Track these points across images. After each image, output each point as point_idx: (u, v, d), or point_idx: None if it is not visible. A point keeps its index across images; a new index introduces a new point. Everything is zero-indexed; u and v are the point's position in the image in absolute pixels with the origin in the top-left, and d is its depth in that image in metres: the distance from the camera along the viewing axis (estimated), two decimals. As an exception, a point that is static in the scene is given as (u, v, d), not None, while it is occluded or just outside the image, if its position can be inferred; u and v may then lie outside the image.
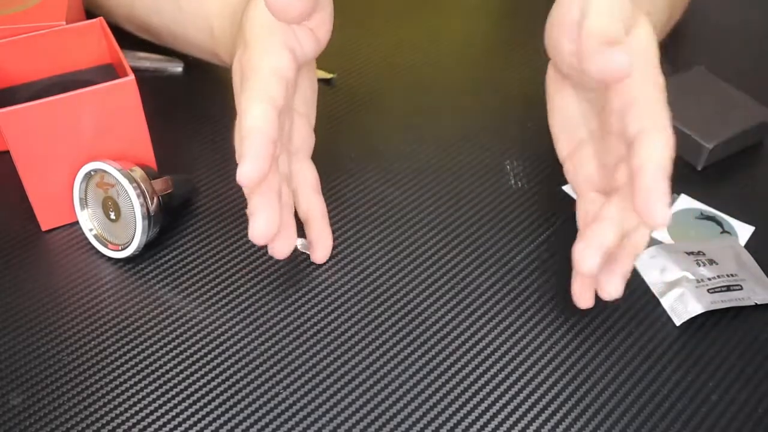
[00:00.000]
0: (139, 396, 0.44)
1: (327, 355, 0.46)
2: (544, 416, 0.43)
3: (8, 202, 0.55)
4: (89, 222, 0.52)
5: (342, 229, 0.54)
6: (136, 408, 0.44)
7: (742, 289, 0.49)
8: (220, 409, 0.44)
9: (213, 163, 0.58)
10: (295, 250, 0.51)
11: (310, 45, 0.47)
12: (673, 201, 0.55)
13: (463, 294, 0.50)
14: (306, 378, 0.45)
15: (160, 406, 0.44)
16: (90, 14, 0.61)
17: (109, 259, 0.52)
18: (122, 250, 0.50)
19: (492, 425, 0.43)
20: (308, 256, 0.51)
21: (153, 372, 0.45)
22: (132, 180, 0.48)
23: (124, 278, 0.50)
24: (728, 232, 0.54)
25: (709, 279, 0.49)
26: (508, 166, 0.58)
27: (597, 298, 0.44)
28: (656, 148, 0.40)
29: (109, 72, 0.56)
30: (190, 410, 0.44)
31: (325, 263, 0.51)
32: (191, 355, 0.46)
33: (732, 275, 0.49)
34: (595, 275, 0.43)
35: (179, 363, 0.46)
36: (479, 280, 0.51)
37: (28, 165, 0.50)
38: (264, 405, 0.44)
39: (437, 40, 0.72)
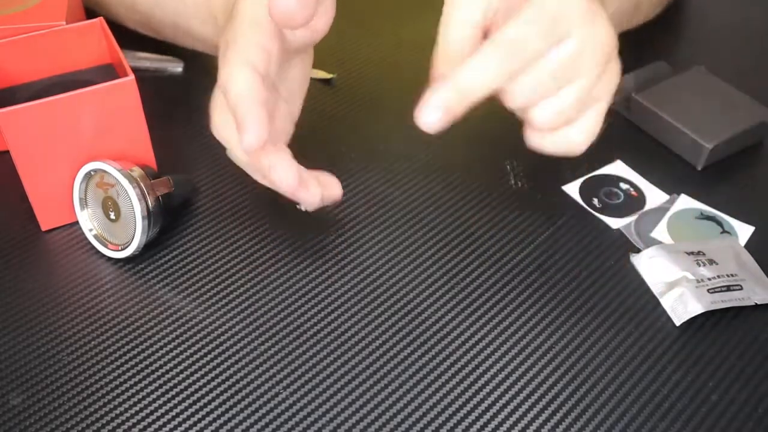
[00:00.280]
0: (139, 396, 0.44)
1: (327, 355, 0.46)
2: (544, 416, 0.43)
3: (8, 202, 0.55)
4: (89, 222, 0.52)
5: (342, 229, 0.54)
6: (136, 408, 0.44)
7: (742, 289, 0.49)
8: (220, 409, 0.44)
9: (213, 163, 0.58)
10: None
11: (303, 31, 0.46)
12: (673, 201, 0.55)
13: (463, 294, 0.50)
14: (306, 378, 0.45)
15: (160, 406, 0.44)
16: (90, 13, 0.61)
17: (109, 259, 0.52)
18: (122, 250, 0.50)
19: (492, 425, 0.43)
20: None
21: (153, 372, 0.45)
22: (132, 180, 0.48)
23: (124, 278, 0.50)
24: (728, 232, 0.54)
25: (709, 279, 0.49)
26: (508, 166, 0.58)
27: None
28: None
29: (109, 72, 0.56)
30: (190, 410, 0.44)
31: (325, 263, 0.51)
32: (191, 355, 0.46)
33: (732, 275, 0.49)
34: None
35: (179, 363, 0.46)
36: (479, 280, 0.51)
37: (28, 165, 0.50)
38: (264, 405, 0.44)
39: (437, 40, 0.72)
